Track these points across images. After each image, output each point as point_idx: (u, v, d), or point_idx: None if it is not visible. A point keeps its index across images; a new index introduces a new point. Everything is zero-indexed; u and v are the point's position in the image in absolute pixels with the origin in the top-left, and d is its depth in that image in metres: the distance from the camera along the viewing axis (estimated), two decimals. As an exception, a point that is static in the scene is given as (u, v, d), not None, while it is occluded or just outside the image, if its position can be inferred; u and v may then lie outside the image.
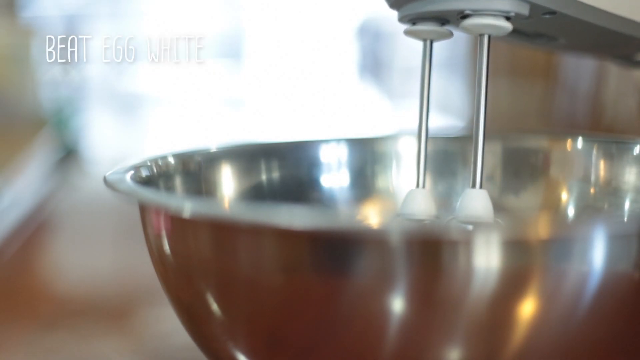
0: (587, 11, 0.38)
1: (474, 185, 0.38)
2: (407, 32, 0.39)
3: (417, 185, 0.40)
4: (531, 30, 0.40)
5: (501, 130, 0.46)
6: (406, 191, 0.41)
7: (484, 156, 0.38)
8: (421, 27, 0.39)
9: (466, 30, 0.38)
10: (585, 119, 0.95)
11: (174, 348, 0.44)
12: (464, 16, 0.37)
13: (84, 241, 0.71)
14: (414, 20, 0.39)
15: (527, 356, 0.30)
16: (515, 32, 0.39)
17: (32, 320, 0.50)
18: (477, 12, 0.37)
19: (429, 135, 0.40)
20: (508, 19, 0.37)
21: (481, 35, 0.38)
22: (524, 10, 0.37)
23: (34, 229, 0.74)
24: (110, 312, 0.52)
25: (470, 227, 0.35)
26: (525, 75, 1.11)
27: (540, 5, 0.37)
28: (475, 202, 0.38)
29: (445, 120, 1.13)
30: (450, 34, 0.39)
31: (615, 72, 0.87)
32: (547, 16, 0.38)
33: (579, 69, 0.96)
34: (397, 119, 1.45)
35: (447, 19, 0.39)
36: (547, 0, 0.37)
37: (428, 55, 0.40)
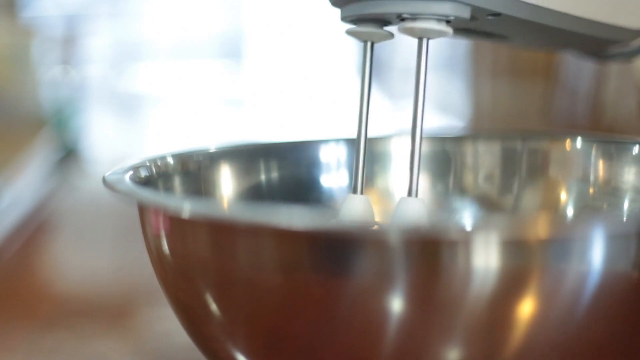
0: (533, 11, 0.37)
1: (409, 194, 0.37)
2: (348, 32, 0.39)
3: (355, 192, 0.39)
4: (481, 29, 0.40)
5: (500, 130, 0.46)
6: (404, 191, 0.41)
7: (421, 160, 0.37)
8: (362, 28, 0.38)
9: (404, 33, 0.37)
10: (585, 119, 0.95)
11: (174, 348, 0.44)
12: (403, 19, 0.37)
13: (84, 241, 0.71)
14: (355, 21, 0.38)
15: (526, 356, 0.30)
16: (465, 30, 0.38)
17: (32, 320, 0.50)
18: (415, 16, 0.36)
19: (424, 136, 0.40)
20: (448, 22, 0.36)
21: (420, 39, 0.37)
22: (465, 13, 0.36)
23: (34, 229, 0.74)
24: (110, 312, 0.52)
25: (483, 222, 0.34)
26: (525, 75, 1.11)
27: (482, 7, 0.36)
28: (410, 208, 0.37)
29: (445, 120, 1.13)
30: (391, 36, 0.39)
31: (615, 72, 0.87)
32: (491, 17, 0.37)
33: (579, 69, 0.96)
34: (397, 119, 1.45)
35: (389, 21, 0.38)
36: (489, 2, 0.36)
37: (369, 57, 0.39)
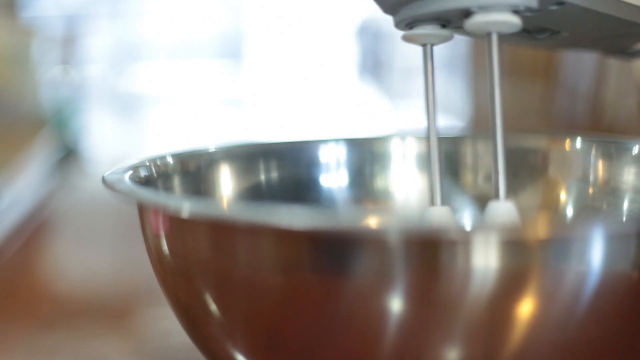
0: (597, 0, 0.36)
1: (496, 197, 0.35)
2: (405, 38, 0.37)
3: (433, 204, 0.38)
4: (533, 25, 0.38)
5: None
6: (404, 191, 0.41)
7: (505, 163, 0.35)
8: (420, 30, 0.37)
9: (471, 29, 0.35)
10: (585, 119, 0.95)
11: (174, 348, 0.44)
12: (468, 15, 0.35)
13: (84, 241, 0.71)
14: (411, 24, 0.37)
15: (526, 356, 0.30)
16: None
17: (32, 320, 0.50)
18: (483, 9, 0.34)
19: (423, 136, 0.39)
20: (516, 13, 0.34)
21: (488, 35, 0.35)
22: (533, 2, 0.34)
23: (34, 229, 0.74)
24: (110, 312, 0.52)
25: (483, 222, 0.34)
26: (525, 75, 1.11)
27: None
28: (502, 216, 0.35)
29: (445, 120, 1.13)
30: (451, 36, 0.37)
31: (615, 72, 0.87)
32: (555, 7, 0.35)
33: (579, 69, 0.96)
34: (397, 119, 1.45)
35: (448, 20, 0.36)
36: None
37: (430, 60, 0.38)
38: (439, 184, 0.38)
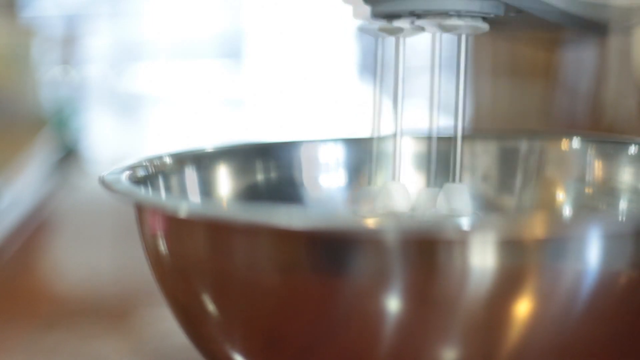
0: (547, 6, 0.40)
1: (453, 180, 0.39)
2: (381, 29, 0.40)
3: (393, 178, 0.41)
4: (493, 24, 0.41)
5: (497, 130, 0.46)
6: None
7: (462, 152, 0.40)
8: (396, 24, 0.40)
9: (445, 29, 0.39)
10: (585, 119, 0.95)
11: (174, 348, 0.44)
12: (443, 16, 0.39)
13: (84, 241, 0.71)
14: (388, 16, 0.40)
15: (523, 355, 0.30)
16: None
17: (32, 320, 0.50)
18: (458, 14, 0.38)
19: (422, 136, 0.41)
20: (484, 19, 0.38)
21: (459, 35, 0.39)
22: (500, 11, 0.38)
23: (34, 229, 0.74)
24: (110, 312, 0.52)
25: (480, 221, 0.35)
26: (525, 75, 1.10)
27: (513, 6, 0.39)
28: (456, 196, 0.39)
29: (445, 120, 1.13)
30: (423, 29, 0.40)
31: (615, 72, 0.87)
32: (514, 14, 0.39)
33: (579, 69, 0.96)
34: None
35: (421, 16, 0.39)
36: (518, 1, 0.39)
37: (402, 52, 0.41)
38: (399, 159, 0.41)
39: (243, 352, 0.33)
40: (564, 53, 0.95)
